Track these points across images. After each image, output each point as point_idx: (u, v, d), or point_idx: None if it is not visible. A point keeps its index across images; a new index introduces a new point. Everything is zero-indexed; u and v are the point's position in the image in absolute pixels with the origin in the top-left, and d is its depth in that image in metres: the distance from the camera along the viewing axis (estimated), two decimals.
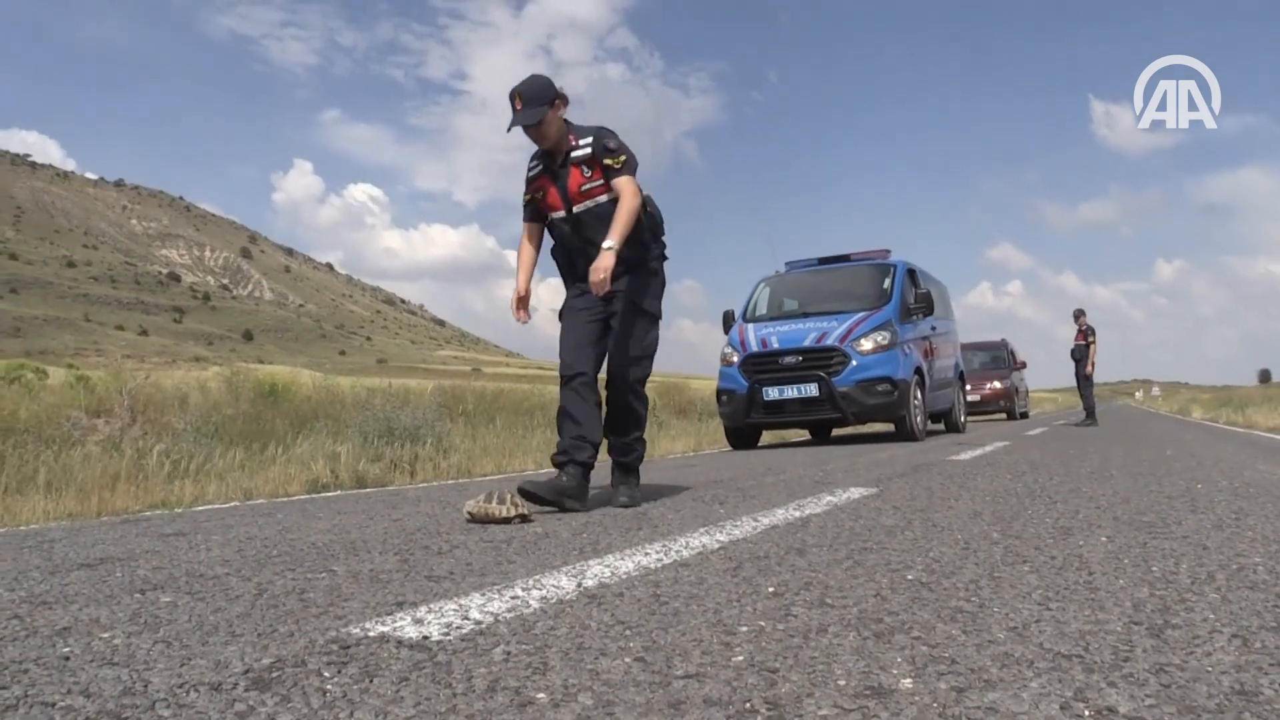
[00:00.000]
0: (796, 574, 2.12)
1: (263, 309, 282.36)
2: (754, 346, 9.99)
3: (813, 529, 2.89)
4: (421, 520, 3.56)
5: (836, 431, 13.34)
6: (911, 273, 11.08)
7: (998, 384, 21.91)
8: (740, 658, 1.44)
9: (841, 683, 1.29)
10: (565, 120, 3.82)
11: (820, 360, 9.60)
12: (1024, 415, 23.73)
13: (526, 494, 3.52)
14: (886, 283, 10.52)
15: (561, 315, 3.98)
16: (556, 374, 3.86)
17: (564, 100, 3.76)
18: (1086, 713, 1.16)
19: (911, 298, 10.53)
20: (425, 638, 1.61)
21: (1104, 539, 2.53)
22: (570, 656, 1.47)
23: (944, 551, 2.38)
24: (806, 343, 9.75)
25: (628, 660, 1.44)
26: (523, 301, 4.04)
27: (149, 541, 3.24)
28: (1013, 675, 1.31)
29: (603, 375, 3.90)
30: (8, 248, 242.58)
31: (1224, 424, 14.97)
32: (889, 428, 10.72)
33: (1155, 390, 71.32)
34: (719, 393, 10.28)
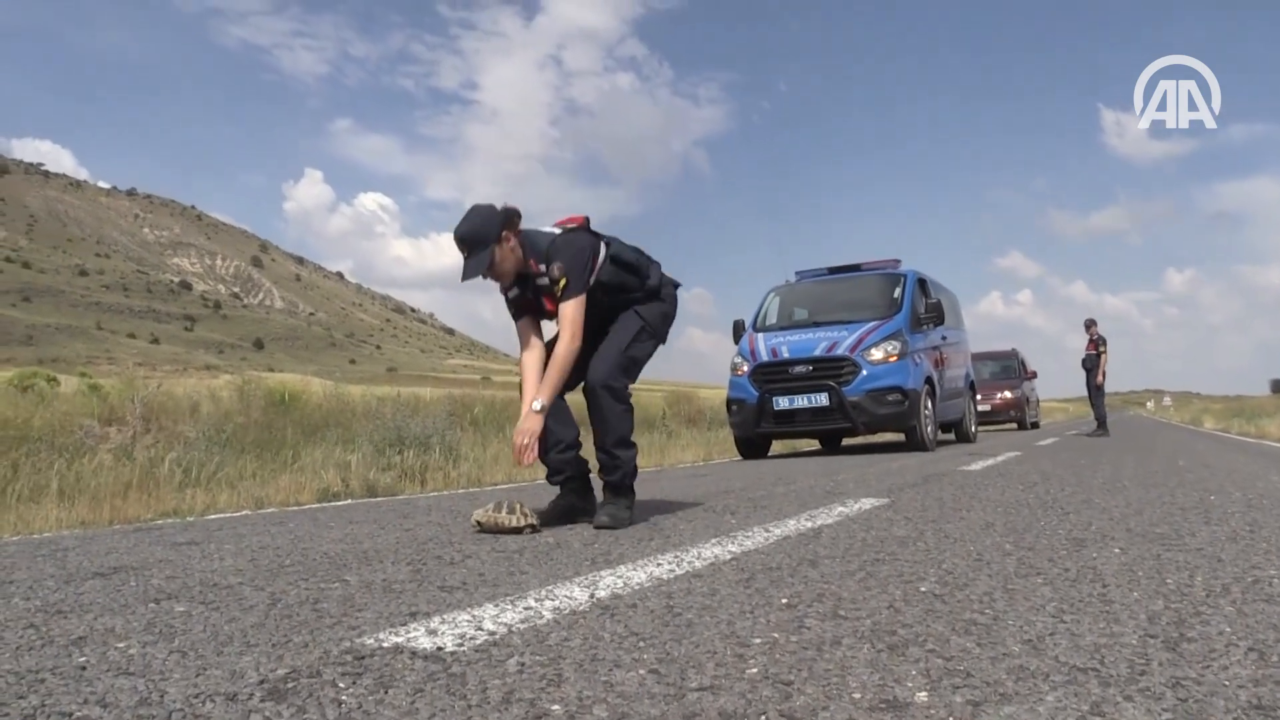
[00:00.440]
0: (809, 585, 2.12)
1: (273, 317, 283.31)
2: (764, 356, 9.99)
3: (824, 540, 2.89)
4: (433, 530, 3.57)
5: (846, 441, 13.32)
6: (922, 282, 11.06)
7: (1008, 394, 21.83)
8: (754, 670, 1.44)
9: (856, 696, 1.29)
10: (521, 240, 3.49)
11: (831, 370, 9.58)
12: (1035, 425, 23.64)
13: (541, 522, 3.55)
14: (897, 292, 10.51)
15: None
16: None
17: (513, 225, 3.44)
18: None
19: (922, 307, 10.51)
20: (439, 648, 1.61)
21: (1117, 551, 2.52)
22: (584, 668, 1.48)
23: (957, 563, 2.38)
24: (817, 352, 9.74)
25: (642, 672, 1.45)
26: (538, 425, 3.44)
27: (162, 550, 3.25)
28: (1028, 689, 1.30)
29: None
30: (21, 256, 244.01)
31: (1236, 434, 14.91)
32: (899, 438, 10.70)
33: (1166, 400, 71.01)
34: (729, 402, 10.27)
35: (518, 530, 3.32)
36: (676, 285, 3.90)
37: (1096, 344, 14.51)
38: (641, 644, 1.62)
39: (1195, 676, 1.35)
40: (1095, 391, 14.59)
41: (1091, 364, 14.51)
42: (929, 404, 10.12)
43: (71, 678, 1.52)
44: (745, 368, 10.07)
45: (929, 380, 10.21)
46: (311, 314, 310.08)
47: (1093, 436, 13.55)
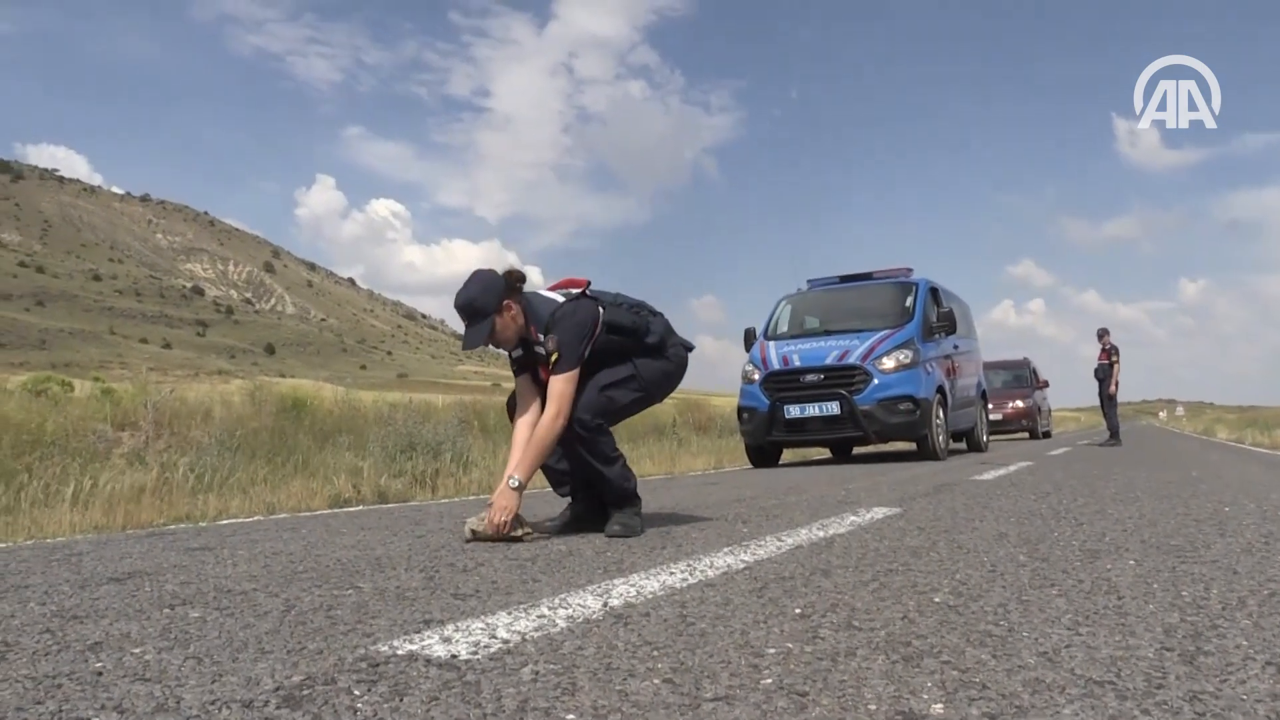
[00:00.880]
0: (823, 595, 2.11)
1: (285, 323, 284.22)
2: (775, 364, 9.98)
3: (837, 549, 2.88)
4: (445, 537, 3.57)
5: (858, 450, 13.29)
6: (934, 291, 11.05)
7: (1020, 403, 21.78)
8: (769, 680, 1.44)
9: (872, 707, 1.29)
10: (525, 305, 3.46)
11: (842, 378, 9.57)
12: (1046, 434, 23.56)
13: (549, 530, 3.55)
14: (909, 301, 10.49)
15: None
16: None
17: (515, 292, 3.42)
18: None
19: (934, 316, 10.49)
20: (454, 656, 1.62)
21: (1132, 563, 2.51)
22: (599, 677, 1.48)
23: (970, 574, 2.37)
24: (828, 361, 9.73)
25: (656, 682, 1.44)
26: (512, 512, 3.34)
27: (175, 556, 3.26)
28: (1045, 702, 1.30)
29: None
30: (35, 261, 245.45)
31: (1250, 445, 14.82)
32: (910, 446, 10.68)
33: (1179, 410, 70.71)
34: (740, 410, 10.27)
35: (516, 539, 3.31)
36: (689, 348, 3.78)
37: (1109, 353, 14.46)
38: (655, 653, 1.62)
39: (1213, 690, 1.34)
40: (1108, 401, 14.53)
41: (1104, 373, 14.45)
42: (941, 413, 10.10)
43: (88, 683, 1.52)
44: (756, 376, 10.06)
45: (941, 389, 10.19)
46: (323, 320, 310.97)
47: (1105, 446, 13.49)
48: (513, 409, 3.61)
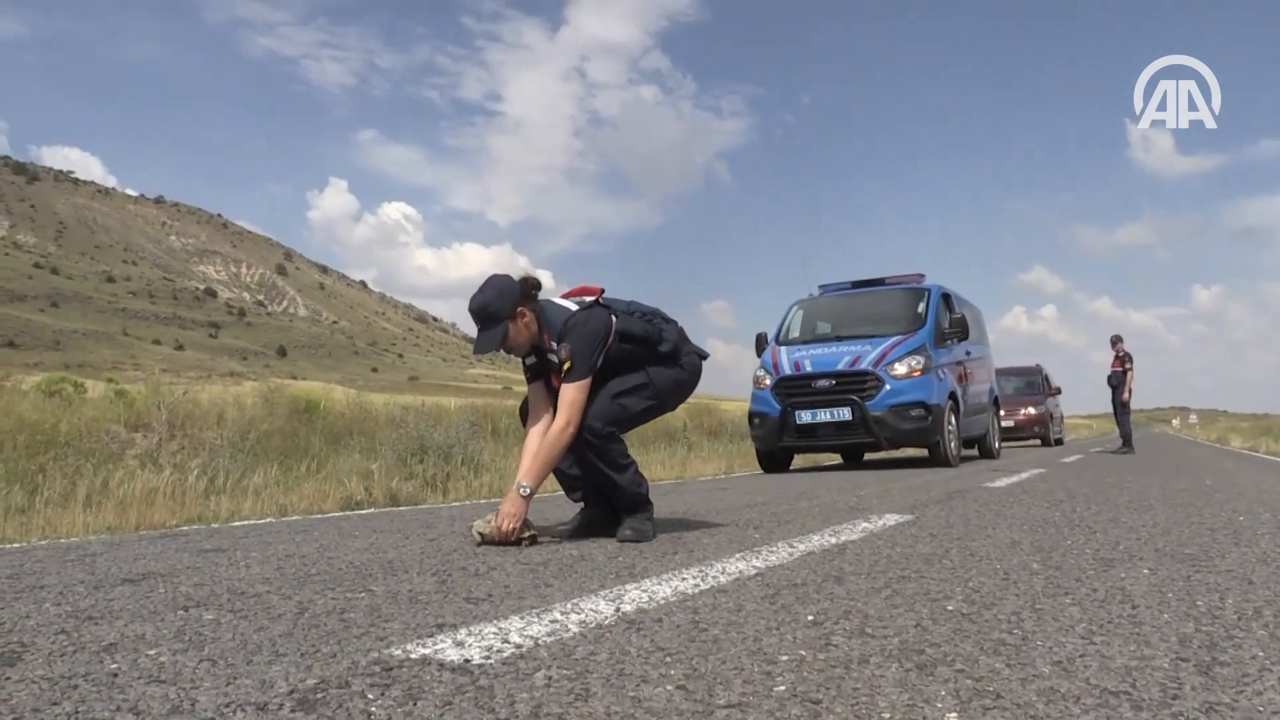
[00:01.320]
0: (835, 602, 2.11)
1: (297, 325, 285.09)
2: (787, 369, 9.96)
3: (849, 556, 2.88)
4: (457, 540, 3.58)
5: (869, 456, 13.26)
6: (946, 297, 11.02)
7: (1032, 410, 21.68)
8: (782, 688, 1.43)
9: (886, 716, 1.29)
10: (539, 313, 3.46)
11: (854, 384, 9.55)
12: (1059, 442, 23.46)
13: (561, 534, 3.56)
14: (921, 307, 10.47)
15: None
16: None
17: (530, 299, 3.42)
18: None
19: (946, 322, 10.47)
20: (467, 660, 1.62)
21: (1146, 571, 2.50)
22: (612, 683, 1.48)
23: (983, 581, 2.37)
24: (840, 366, 9.70)
25: (670, 688, 1.44)
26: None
27: (189, 557, 3.27)
28: (1060, 711, 1.29)
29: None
30: (49, 262, 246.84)
31: (1264, 454, 14.73)
32: (922, 453, 10.64)
33: (1192, 418, 70.33)
34: (751, 415, 10.25)
35: (519, 542, 3.32)
36: (703, 356, 3.77)
37: (1122, 360, 14.40)
38: (668, 659, 1.62)
39: (1229, 701, 1.34)
40: (1121, 408, 14.48)
41: (1117, 380, 14.40)
42: (953, 419, 10.07)
43: (104, 685, 1.53)
44: (768, 381, 10.05)
45: (953, 395, 10.16)
46: (335, 322, 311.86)
47: (1118, 454, 13.44)
48: (525, 415, 3.61)
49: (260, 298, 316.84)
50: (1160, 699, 1.35)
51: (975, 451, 12.39)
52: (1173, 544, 3.06)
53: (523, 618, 1.98)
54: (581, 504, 3.73)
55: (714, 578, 2.49)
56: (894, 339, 9.83)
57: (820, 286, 12.10)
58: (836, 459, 13.01)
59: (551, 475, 3.58)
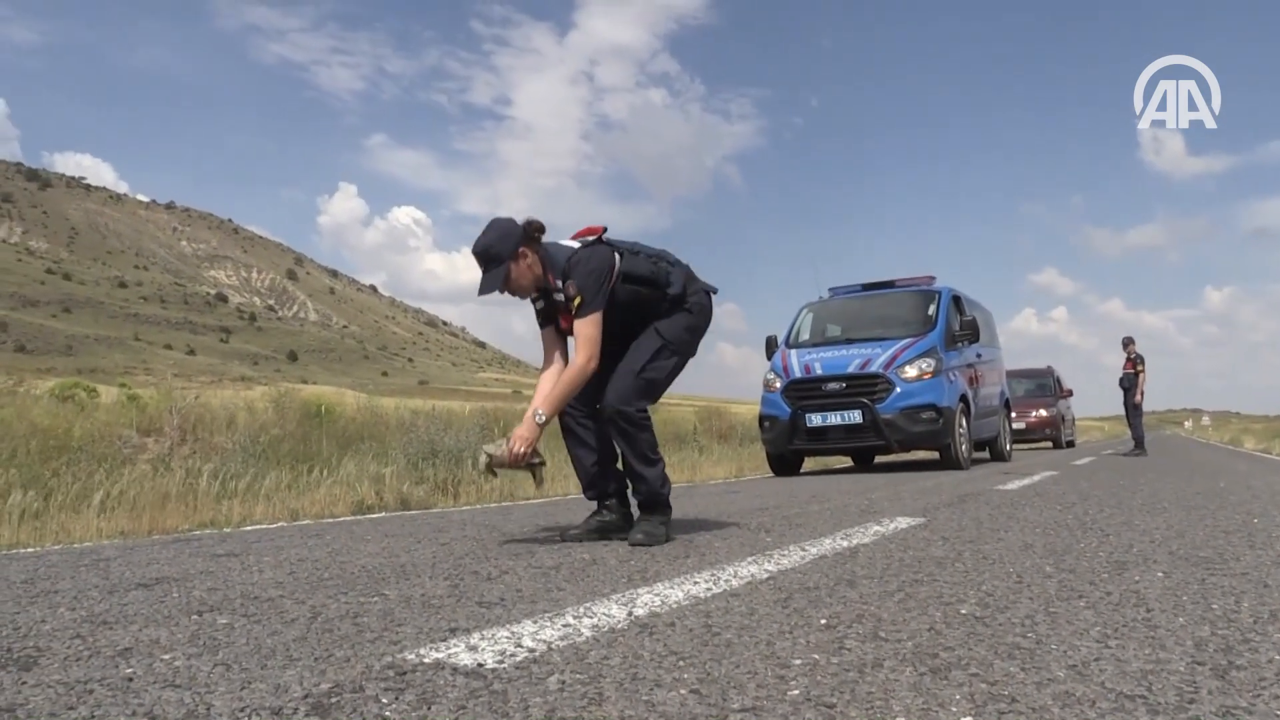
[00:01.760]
0: (848, 606, 2.11)
1: (307, 330, 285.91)
2: (797, 372, 9.95)
3: (862, 560, 2.87)
4: (469, 545, 3.58)
5: (879, 459, 13.23)
6: (956, 299, 10.99)
7: (1044, 412, 21.61)
8: (796, 692, 1.43)
9: None
10: (542, 255, 3.47)
11: (864, 387, 9.53)
12: (1070, 444, 23.38)
13: (573, 537, 3.56)
14: (931, 309, 10.45)
15: None
16: None
17: (533, 241, 3.43)
18: None
19: (956, 324, 10.44)
20: (480, 665, 1.62)
21: (1160, 574, 2.49)
22: (625, 687, 1.48)
23: (997, 585, 2.36)
24: (850, 369, 9.69)
25: (683, 692, 1.44)
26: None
27: (202, 562, 3.29)
28: (1076, 715, 1.29)
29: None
30: (62, 268, 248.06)
31: (1278, 455, 14.66)
32: (933, 455, 10.61)
33: (1205, 420, 70.00)
34: (761, 418, 10.24)
35: (531, 468, 3.36)
36: (710, 291, 3.76)
37: (1134, 362, 14.34)
38: (681, 663, 1.62)
39: (1246, 705, 1.33)
40: (1133, 410, 14.41)
41: (1129, 383, 14.34)
42: (964, 422, 10.04)
43: (119, 689, 1.54)
44: (778, 384, 10.04)
45: (964, 398, 10.13)
46: (345, 327, 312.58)
47: (1130, 456, 13.38)
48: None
49: (271, 302, 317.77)
50: (1176, 703, 1.34)
51: (986, 454, 12.35)
52: (1187, 547, 3.05)
53: (535, 621, 1.98)
54: (595, 504, 3.73)
55: (726, 581, 2.49)
56: (904, 341, 9.81)
57: (830, 289, 12.09)
58: (847, 462, 12.98)
59: (572, 473, 3.58)
